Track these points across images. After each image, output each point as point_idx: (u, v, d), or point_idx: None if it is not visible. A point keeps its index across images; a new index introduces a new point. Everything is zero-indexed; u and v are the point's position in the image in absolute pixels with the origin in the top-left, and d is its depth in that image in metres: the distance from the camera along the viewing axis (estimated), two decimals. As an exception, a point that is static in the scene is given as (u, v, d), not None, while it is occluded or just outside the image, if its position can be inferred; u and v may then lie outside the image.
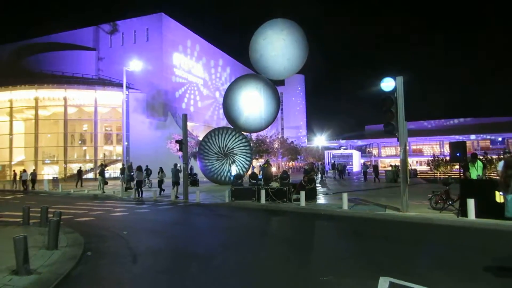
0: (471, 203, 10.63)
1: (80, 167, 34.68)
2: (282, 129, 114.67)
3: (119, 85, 47.72)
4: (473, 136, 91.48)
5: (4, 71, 56.22)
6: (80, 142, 53.60)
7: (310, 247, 8.26)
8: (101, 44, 56.66)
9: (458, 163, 14.96)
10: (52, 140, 50.72)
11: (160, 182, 21.61)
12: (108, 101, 50.03)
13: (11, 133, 48.37)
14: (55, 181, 32.24)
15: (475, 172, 11.81)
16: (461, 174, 12.43)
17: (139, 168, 20.55)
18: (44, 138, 49.61)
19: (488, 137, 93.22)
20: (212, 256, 7.55)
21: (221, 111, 30.48)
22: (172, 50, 55.46)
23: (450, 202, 12.11)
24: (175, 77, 55.95)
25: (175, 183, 19.62)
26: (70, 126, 50.25)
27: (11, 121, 48.55)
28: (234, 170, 26.56)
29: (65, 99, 48.14)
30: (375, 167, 34.67)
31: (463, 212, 10.92)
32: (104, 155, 50.88)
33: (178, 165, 21.62)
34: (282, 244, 8.94)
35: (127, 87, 44.94)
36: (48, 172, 48.12)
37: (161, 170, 21.97)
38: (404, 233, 9.89)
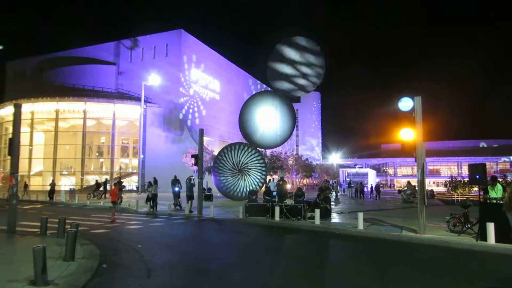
0: (490, 227, 10.36)
1: (97, 180, 35.04)
2: (297, 145, 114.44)
3: (137, 99, 48.61)
4: (492, 158, 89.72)
5: (28, 83, 57.98)
6: (97, 154, 54.48)
7: (324, 267, 8.17)
8: (121, 59, 57.93)
9: (477, 185, 14.69)
10: (70, 151, 51.73)
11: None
12: (126, 115, 50.95)
13: (31, 144, 49.47)
14: (72, 192, 32.64)
15: (495, 195, 11.56)
16: (481, 197, 12.18)
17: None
18: (62, 149, 50.63)
19: (508, 159, 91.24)
20: (225, 272, 7.53)
21: (237, 126, 30.64)
22: (190, 66, 56.37)
23: (468, 225, 11.84)
24: (192, 92, 56.68)
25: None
26: (88, 138, 51.24)
27: (31, 132, 49.73)
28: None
29: (84, 111, 49.22)
30: (377, 187, 36.19)
31: (483, 236, 10.64)
32: (120, 168, 51.53)
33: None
34: (296, 262, 8.86)
35: (145, 101, 45.75)
36: (65, 183, 48.89)
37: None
38: (421, 256, 9.69)
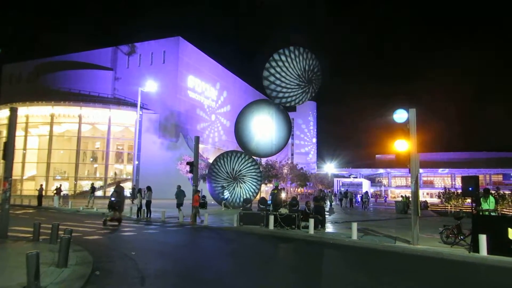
0: (483, 239, 10.43)
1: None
2: (292, 154, 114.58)
3: (133, 104, 48.53)
4: (485, 170, 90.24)
5: (23, 87, 57.82)
6: (91, 159, 54.18)
7: (318, 277, 8.17)
8: (118, 65, 58.02)
9: (470, 197, 14.80)
10: (64, 156, 51.41)
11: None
12: (121, 120, 50.83)
13: (25, 148, 49.12)
14: (65, 197, 32.35)
15: (487, 207, 11.66)
16: (473, 209, 12.28)
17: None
18: (56, 154, 50.30)
19: (501, 171, 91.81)
20: (219, 281, 7.52)
21: (232, 134, 30.68)
22: (187, 73, 56.51)
23: (461, 237, 11.92)
24: (189, 99, 56.76)
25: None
26: (83, 143, 50.99)
27: (25, 136, 49.40)
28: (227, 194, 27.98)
29: (80, 116, 49.05)
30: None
31: (475, 247, 10.71)
32: (115, 174, 51.22)
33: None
34: (289, 272, 8.86)
35: (141, 107, 45.62)
36: (58, 188, 48.42)
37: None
38: (414, 267, 9.72)
